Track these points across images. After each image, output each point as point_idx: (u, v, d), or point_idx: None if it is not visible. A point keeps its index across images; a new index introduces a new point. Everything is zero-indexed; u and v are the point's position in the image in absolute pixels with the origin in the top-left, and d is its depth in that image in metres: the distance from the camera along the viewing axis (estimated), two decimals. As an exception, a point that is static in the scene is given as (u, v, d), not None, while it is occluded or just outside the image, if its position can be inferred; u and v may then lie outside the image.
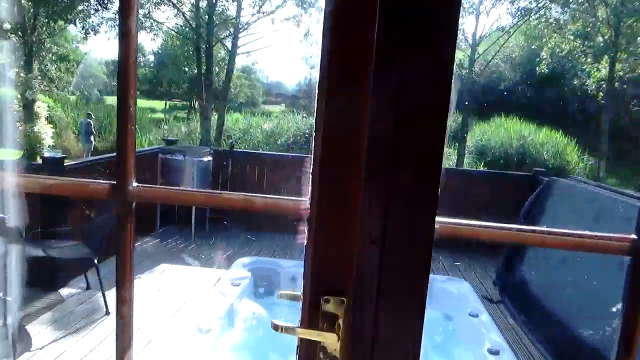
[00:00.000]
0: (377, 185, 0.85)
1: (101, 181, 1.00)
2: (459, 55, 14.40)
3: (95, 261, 3.80)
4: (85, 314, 3.78)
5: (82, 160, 8.67)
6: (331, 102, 0.86)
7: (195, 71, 17.14)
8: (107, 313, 3.76)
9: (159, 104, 30.78)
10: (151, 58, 33.08)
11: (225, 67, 16.18)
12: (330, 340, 0.92)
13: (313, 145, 0.89)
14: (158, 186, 1.04)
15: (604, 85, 15.54)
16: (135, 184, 1.00)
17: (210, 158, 6.28)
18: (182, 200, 1.03)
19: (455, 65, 0.78)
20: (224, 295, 4.31)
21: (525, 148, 16.27)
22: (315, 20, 16.14)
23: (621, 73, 15.01)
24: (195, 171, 5.81)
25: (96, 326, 3.61)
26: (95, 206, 4.51)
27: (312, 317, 0.93)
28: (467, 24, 15.16)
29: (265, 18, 15.75)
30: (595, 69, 15.70)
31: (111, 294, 3.80)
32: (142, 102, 27.24)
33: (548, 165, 15.90)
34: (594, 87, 16.36)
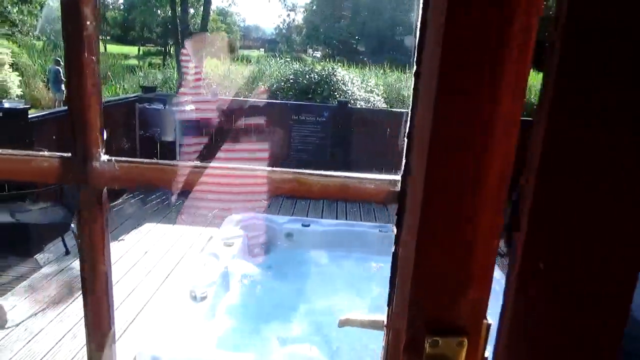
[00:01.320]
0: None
1: (46, 155, 0.61)
2: None
3: (73, 225, 3.42)
4: (65, 282, 3.44)
5: (52, 110, 8.02)
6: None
7: (170, 14, 16.08)
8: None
9: (131, 50, 29.27)
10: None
11: (202, 8, 15.17)
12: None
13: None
14: (146, 161, 0.65)
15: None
16: (104, 157, 0.62)
17: (193, 106, 5.78)
18: (190, 183, 0.64)
19: None
20: (217, 258, 4.00)
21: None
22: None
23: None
24: (177, 121, 5.35)
25: (78, 296, 3.28)
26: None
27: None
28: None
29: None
30: None
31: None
32: (113, 48, 25.80)
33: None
34: None
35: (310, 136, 6.20)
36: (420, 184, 0.52)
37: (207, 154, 5.29)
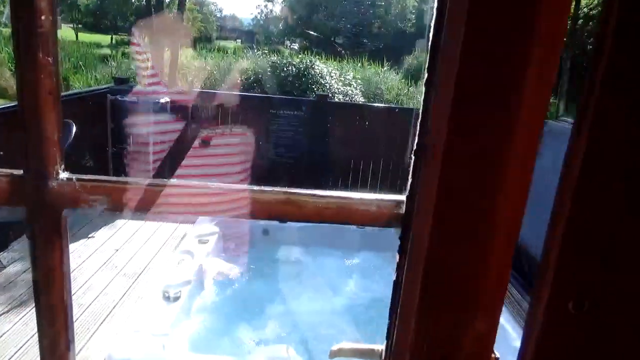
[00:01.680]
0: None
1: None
2: None
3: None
4: (31, 283, 3.29)
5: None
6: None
7: (144, 2, 15.65)
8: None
9: (103, 39, 28.47)
10: (93, -14, 30.21)
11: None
12: None
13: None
14: (113, 179, 0.55)
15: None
16: (63, 175, 0.53)
17: (168, 99, 5.62)
18: (165, 203, 0.56)
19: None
20: (192, 255, 3.90)
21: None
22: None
23: (586, 9, 14.81)
24: (151, 114, 5.18)
25: (45, 297, 3.14)
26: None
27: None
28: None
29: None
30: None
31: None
32: (85, 36, 25.05)
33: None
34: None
35: (289, 130, 6.11)
36: (431, 205, 0.46)
37: (181, 151, 5.16)
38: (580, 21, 15.40)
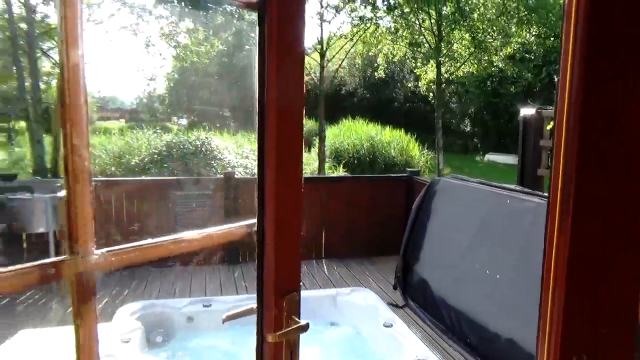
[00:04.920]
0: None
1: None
2: (309, 61, 14.75)
3: None
4: None
5: None
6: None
7: (15, 87, 14.74)
8: None
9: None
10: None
11: (53, 81, 14.20)
12: None
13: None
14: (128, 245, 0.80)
15: (433, 86, 17.39)
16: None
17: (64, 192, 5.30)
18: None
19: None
20: (114, 359, 3.61)
21: (375, 147, 17.41)
22: (156, 29, 15.12)
23: (446, 75, 16.95)
24: (51, 211, 4.85)
25: None
26: None
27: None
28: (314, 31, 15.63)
29: (98, 26, 14.24)
30: (424, 72, 17.50)
31: None
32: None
33: (396, 162, 17.26)
34: (425, 88, 18.33)
35: (197, 210, 6.06)
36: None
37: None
38: (443, 85, 17.61)
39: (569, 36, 0.65)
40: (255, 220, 0.86)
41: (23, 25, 13.13)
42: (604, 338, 0.63)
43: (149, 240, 0.88)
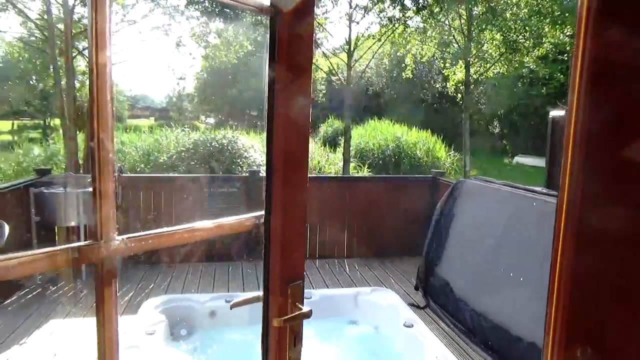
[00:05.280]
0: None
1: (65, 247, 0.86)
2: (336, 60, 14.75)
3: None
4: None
5: None
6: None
7: (51, 86, 15.25)
8: None
9: (3, 125, 26.94)
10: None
11: (87, 81, 14.62)
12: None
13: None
14: (147, 233, 0.90)
15: (461, 87, 17.15)
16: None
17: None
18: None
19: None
20: (139, 349, 3.72)
21: (400, 148, 17.30)
22: (187, 30, 15.39)
23: (475, 76, 16.70)
24: (82, 205, 5.01)
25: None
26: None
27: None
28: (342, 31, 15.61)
29: (131, 27, 14.59)
30: (452, 73, 17.28)
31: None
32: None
33: (422, 163, 17.10)
34: (453, 89, 18.09)
35: (225, 208, 6.16)
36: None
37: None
38: (471, 86, 17.36)
39: (579, 35, 0.66)
40: (262, 212, 0.90)
41: (60, 26, 13.58)
42: (610, 330, 0.64)
43: (165, 229, 0.94)
